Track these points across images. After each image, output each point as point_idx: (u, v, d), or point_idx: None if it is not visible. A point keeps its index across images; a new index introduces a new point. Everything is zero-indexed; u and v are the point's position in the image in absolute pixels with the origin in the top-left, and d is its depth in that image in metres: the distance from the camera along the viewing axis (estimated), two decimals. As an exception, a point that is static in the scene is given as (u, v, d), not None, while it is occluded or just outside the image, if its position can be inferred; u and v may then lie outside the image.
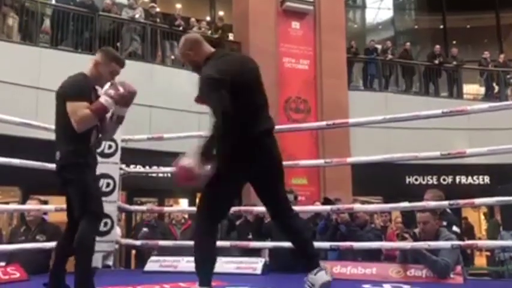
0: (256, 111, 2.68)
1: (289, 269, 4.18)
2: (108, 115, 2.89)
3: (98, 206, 2.78)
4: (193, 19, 10.85)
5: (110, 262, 5.46)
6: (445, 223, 3.93)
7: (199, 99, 2.71)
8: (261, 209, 4.34)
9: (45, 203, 4.92)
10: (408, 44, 12.80)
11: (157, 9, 10.73)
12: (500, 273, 7.58)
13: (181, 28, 10.32)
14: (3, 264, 3.91)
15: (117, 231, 5.26)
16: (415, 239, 3.74)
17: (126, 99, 2.82)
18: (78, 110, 2.70)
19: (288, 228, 2.77)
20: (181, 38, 2.90)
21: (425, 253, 3.53)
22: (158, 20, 10.22)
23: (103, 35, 9.19)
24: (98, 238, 4.28)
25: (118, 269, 5.60)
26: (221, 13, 12.92)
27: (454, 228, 4.04)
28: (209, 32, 10.84)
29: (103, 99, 2.77)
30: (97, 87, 2.92)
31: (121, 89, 2.80)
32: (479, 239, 10.69)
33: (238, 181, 2.69)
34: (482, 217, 12.94)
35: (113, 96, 2.77)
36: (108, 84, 2.86)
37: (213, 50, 2.83)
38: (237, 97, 2.52)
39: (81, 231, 2.67)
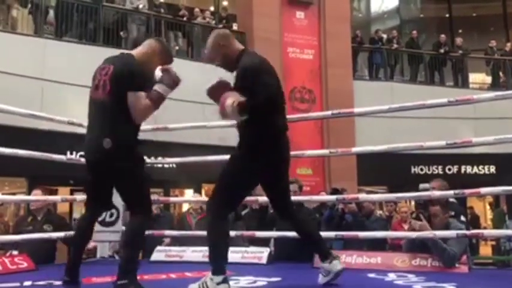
0: (282, 108, 2.81)
1: (294, 259, 4.20)
2: None
3: (150, 202, 2.77)
4: (197, 9, 10.82)
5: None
6: (452, 213, 3.92)
7: (219, 89, 2.74)
8: (266, 199, 4.35)
9: (56, 192, 4.96)
10: (415, 32, 12.71)
11: (162, 0, 10.70)
12: (506, 262, 7.58)
13: (185, 18, 10.29)
14: (16, 252, 3.95)
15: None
16: (429, 223, 3.73)
17: (176, 84, 2.75)
18: (141, 100, 2.62)
19: (294, 218, 2.92)
20: (212, 32, 2.92)
21: (437, 240, 3.53)
22: (162, 10, 10.20)
23: (107, 26, 9.18)
24: (104, 228, 4.33)
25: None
26: (225, 3, 12.88)
27: (462, 218, 4.04)
28: (213, 22, 10.80)
29: (161, 88, 2.69)
30: None
31: (173, 73, 2.74)
32: (485, 228, 10.68)
33: (258, 172, 2.72)
34: (488, 207, 12.92)
35: (168, 83, 2.70)
36: (159, 69, 2.76)
37: (242, 47, 2.88)
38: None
39: (135, 226, 2.67)
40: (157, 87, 2.70)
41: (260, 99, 2.55)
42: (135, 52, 2.81)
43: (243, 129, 2.76)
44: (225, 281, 2.57)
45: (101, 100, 2.67)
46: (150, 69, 2.79)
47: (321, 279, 2.86)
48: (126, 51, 2.87)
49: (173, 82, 2.72)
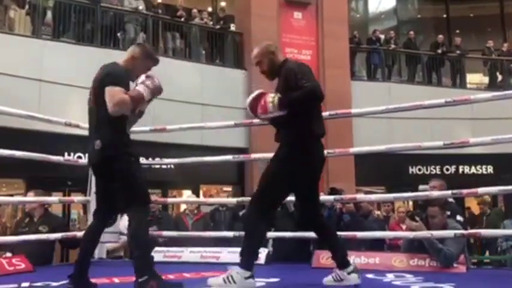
0: (319, 114, 2.96)
1: (292, 259, 4.20)
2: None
3: (146, 197, 2.81)
4: (195, 10, 10.81)
5: (122, 253, 5.55)
6: (448, 213, 3.93)
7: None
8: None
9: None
10: (412, 32, 12.73)
11: (159, 0, 10.69)
12: (503, 262, 7.57)
13: (182, 19, 10.29)
14: (9, 254, 3.94)
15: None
16: (426, 224, 3.73)
17: (157, 92, 2.86)
18: (116, 94, 2.70)
19: (322, 225, 2.98)
20: (263, 42, 3.09)
21: (434, 241, 3.53)
22: (160, 11, 10.19)
23: (105, 27, 9.16)
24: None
25: (123, 260, 5.63)
26: (223, 4, 12.88)
27: (458, 217, 4.05)
28: (211, 22, 10.80)
29: (141, 88, 2.79)
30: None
31: (157, 81, 2.85)
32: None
33: (294, 175, 2.80)
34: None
35: (150, 86, 2.80)
36: (144, 75, 2.87)
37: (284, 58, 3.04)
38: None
39: (134, 224, 2.70)
40: (138, 87, 2.81)
41: (304, 91, 2.71)
42: (120, 60, 2.93)
43: (280, 135, 2.88)
44: (252, 277, 2.66)
45: (91, 106, 2.87)
46: (135, 75, 2.90)
47: (328, 280, 2.87)
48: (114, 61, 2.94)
49: (154, 87, 2.83)
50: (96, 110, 2.81)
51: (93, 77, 2.87)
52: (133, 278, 2.64)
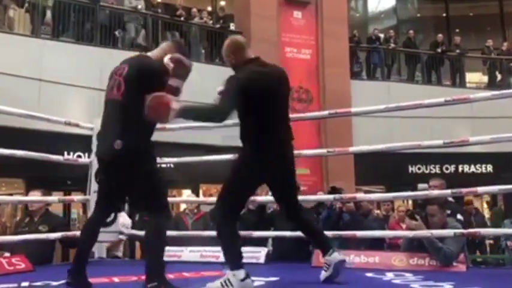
0: (276, 122, 2.91)
1: (292, 258, 4.20)
2: None
3: (166, 199, 2.79)
4: (194, 9, 10.81)
5: (119, 253, 5.53)
6: (448, 212, 3.94)
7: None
8: (263, 198, 4.36)
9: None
10: (411, 31, 12.74)
11: (159, 0, 10.70)
12: (501, 261, 7.58)
13: (182, 18, 10.29)
14: (8, 254, 3.93)
15: (127, 222, 5.30)
16: (426, 223, 3.74)
17: (189, 72, 2.78)
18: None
19: (301, 220, 3.03)
20: (227, 40, 3.05)
21: (433, 240, 3.54)
22: (159, 10, 10.19)
23: (104, 26, 9.15)
24: (101, 228, 4.31)
25: (123, 259, 5.63)
26: (222, 3, 12.88)
27: (459, 216, 4.05)
28: (210, 22, 10.79)
29: (176, 82, 2.69)
30: None
31: (187, 62, 2.75)
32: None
33: (256, 180, 2.87)
34: (485, 206, 12.94)
35: (181, 75, 2.73)
36: (168, 59, 2.69)
37: (252, 56, 2.98)
38: (259, 105, 2.79)
39: (153, 229, 2.66)
40: (171, 82, 2.67)
41: (215, 110, 2.82)
42: (151, 54, 2.83)
43: (242, 136, 2.87)
44: (248, 276, 2.66)
45: (114, 100, 2.69)
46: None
47: (322, 274, 2.91)
48: (143, 53, 2.86)
49: (186, 72, 2.76)
50: (123, 105, 2.65)
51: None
52: (133, 278, 2.64)
